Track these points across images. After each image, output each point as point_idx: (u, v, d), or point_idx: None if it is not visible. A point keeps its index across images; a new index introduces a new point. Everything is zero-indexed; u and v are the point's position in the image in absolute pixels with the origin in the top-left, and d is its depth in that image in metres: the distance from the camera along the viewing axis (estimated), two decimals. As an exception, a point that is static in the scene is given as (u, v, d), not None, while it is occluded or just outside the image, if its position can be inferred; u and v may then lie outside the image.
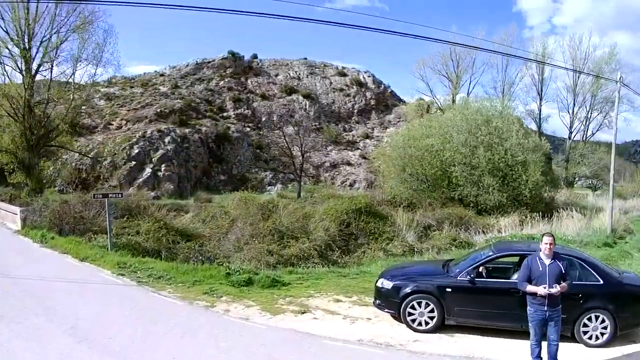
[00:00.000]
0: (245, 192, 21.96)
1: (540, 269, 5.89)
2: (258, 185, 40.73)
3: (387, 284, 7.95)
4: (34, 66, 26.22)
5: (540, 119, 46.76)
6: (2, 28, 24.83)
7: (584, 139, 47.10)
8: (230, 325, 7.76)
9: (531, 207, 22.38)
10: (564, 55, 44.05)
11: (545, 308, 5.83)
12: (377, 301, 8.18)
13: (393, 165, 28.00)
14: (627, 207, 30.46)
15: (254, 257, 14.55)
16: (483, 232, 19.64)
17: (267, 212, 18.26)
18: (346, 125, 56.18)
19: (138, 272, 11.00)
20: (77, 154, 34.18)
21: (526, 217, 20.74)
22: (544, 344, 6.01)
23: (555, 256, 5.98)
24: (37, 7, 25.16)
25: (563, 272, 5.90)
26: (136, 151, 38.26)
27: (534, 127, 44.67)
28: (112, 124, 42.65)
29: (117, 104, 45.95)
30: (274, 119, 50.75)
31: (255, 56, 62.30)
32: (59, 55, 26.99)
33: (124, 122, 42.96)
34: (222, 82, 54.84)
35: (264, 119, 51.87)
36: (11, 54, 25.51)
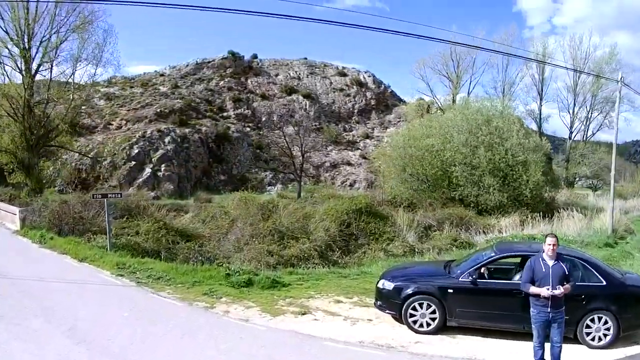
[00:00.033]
0: (245, 192, 21.92)
1: (544, 270, 5.83)
2: (258, 185, 40.67)
3: (388, 285, 7.89)
4: (34, 66, 26.23)
5: (540, 119, 46.78)
6: (1, 28, 24.86)
7: (584, 139, 47.08)
8: (230, 327, 7.70)
9: (532, 207, 22.31)
10: (564, 55, 44.05)
11: (549, 310, 5.77)
12: (378, 302, 8.11)
13: (393, 165, 27.93)
14: (628, 207, 30.38)
15: (254, 257, 14.50)
16: (484, 232, 19.58)
17: (267, 212, 18.21)
18: (346, 125, 56.12)
19: (137, 272, 10.95)
20: (77, 154, 34.13)
21: (527, 217, 20.67)
22: (547, 346, 5.95)
23: (558, 257, 5.92)
24: (36, 6, 25.16)
25: (566, 273, 5.84)
26: (136, 151, 38.20)
27: (534, 127, 44.64)
28: (112, 124, 42.60)
29: (117, 104, 45.89)
30: (274, 119, 50.69)
31: (255, 56, 62.25)
32: (58, 55, 27.01)
33: (123, 122, 42.90)
34: (222, 82, 54.79)
35: (264, 119, 51.81)
36: (11, 54, 25.50)
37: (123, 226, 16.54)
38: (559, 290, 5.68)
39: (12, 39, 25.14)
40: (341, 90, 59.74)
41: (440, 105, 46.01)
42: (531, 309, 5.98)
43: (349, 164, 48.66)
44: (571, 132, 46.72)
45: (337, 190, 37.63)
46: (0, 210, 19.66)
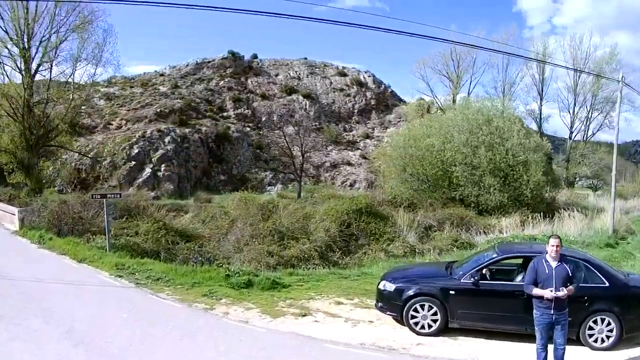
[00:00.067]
0: (245, 192, 21.85)
1: (547, 271, 5.76)
2: (258, 185, 40.61)
3: (390, 287, 7.83)
4: (34, 66, 26.21)
5: (540, 119, 46.75)
6: (1, 28, 24.87)
7: (584, 139, 47.06)
8: (230, 328, 7.64)
9: (532, 208, 22.25)
10: (564, 55, 43.98)
11: (552, 312, 5.70)
12: (379, 304, 8.06)
13: (394, 165, 27.87)
14: (628, 207, 30.32)
15: (253, 258, 14.43)
16: (484, 232, 19.51)
17: (267, 212, 18.14)
18: (346, 125, 56.06)
19: (136, 273, 10.89)
20: (77, 154, 34.09)
21: (527, 217, 20.61)
22: (550, 348, 5.88)
23: (561, 258, 5.85)
24: (36, 6, 25.15)
25: (570, 274, 5.77)
26: (136, 151, 38.14)
27: (534, 127, 44.58)
28: (111, 124, 42.55)
29: (117, 104, 45.84)
30: (274, 119, 50.64)
31: (255, 56, 62.20)
32: (58, 55, 27.00)
33: (123, 122, 42.85)
34: (222, 82, 54.73)
35: (264, 119, 51.76)
36: (10, 54, 25.49)
37: (122, 226, 16.47)
38: (563, 292, 5.61)
39: (11, 39, 25.15)
40: (341, 90, 59.69)
41: (440, 105, 45.95)
42: (534, 311, 5.91)
43: (349, 164, 48.61)
44: (571, 132, 46.74)
45: (337, 190, 37.56)
46: (-1, 210, 19.61)
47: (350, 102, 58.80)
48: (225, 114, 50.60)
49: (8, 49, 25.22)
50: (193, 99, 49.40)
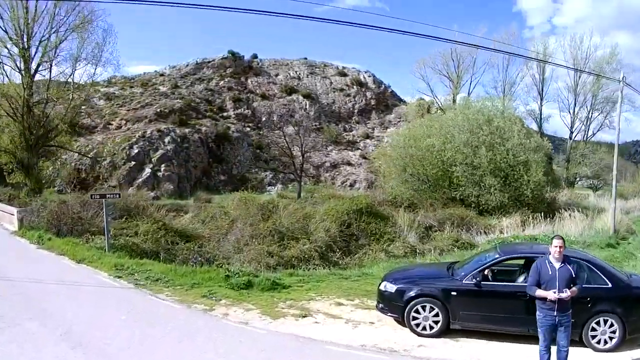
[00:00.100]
0: (245, 192, 21.81)
1: (550, 272, 5.70)
2: (258, 185, 40.56)
3: (391, 287, 7.77)
4: (33, 66, 26.13)
5: (541, 119, 46.68)
6: (1, 27, 24.78)
7: (584, 139, 47.01)
8: (229, 330, 7.58)
9: (533, 208, 22.22)
10: (564, 55, 43.92)
11: (555, 313, 5.64)
12: (380, 305, 8.00)
13: (394, 166, 27.85)
14: (629, 207, 30.31)
15: (253, 258, 14.37)
16: (485, 232, 19.48)
17: (267, 212, 18.09)
18: (346, 125, 56.02)
19: (135, 274, 10.83)
20: (77, 154, 34.01)
21: (528, 217, 20.57)
22: (553, 350, 5.82)
23: (565, 259, 5.79)
24: (36, 6, 25.12)
25: (573, 276, 5.71)
26: (136, 151, 38.09)
27: (534, 127, 44.54)
28: (111, 124, 42.49)
29: (117, 104, 45.79)
30: (274, 119, 50.60)
31: (255, 56, 62.16)
32: (58, 55, 26.92)
33: (123, 122, 42.80)
34: (222, 82, 54.69)
35: (264, 119, 51.71)
36: (10, 54, 25.43)
37: (122, 227, 16.42)
38: (566, 294, 5.55)
39: (11, 39, 25.08)
40: (341, 90, 59.65)
41: (440, 105, 45.90)
42: (537, 313, 5.85)
43: (349, 164, 48.56)
44: (572, 132, 46.67)
45: (337, 190, 37.51)
46: (-2, 210, 19.55)
47: (350, 102, 58.75)
48: (225, 114, 50.56)
49: (8, 49, 25.21)
50: (193, 99, 49.36)
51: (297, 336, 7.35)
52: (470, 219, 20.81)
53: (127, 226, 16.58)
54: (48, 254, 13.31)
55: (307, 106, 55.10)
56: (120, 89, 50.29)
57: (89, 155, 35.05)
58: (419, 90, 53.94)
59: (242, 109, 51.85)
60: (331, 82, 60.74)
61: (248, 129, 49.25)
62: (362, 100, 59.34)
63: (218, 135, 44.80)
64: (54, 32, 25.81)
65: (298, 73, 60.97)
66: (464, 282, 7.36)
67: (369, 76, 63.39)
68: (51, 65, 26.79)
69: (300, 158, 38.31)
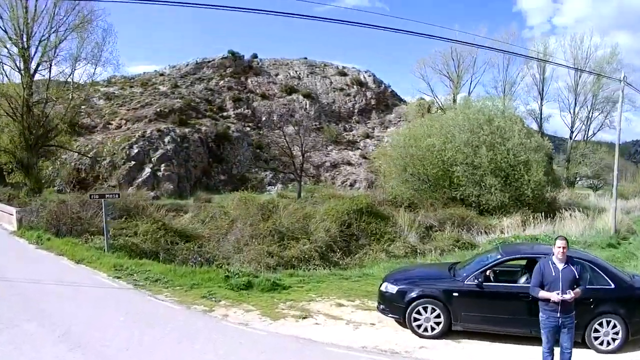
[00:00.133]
0: (245, 192, 21.77)
1: (553, 274, 5.64)
2: (258, 185, 40.51)
3: (392, 288, 7.71)
4: (33, 65, 26.05)
5: (541, 118, 46.69)
6: (0, 27, 24.70)
7: (585, 138, 47.00)
8: (229, 331, 7.51)
9: (533, 208, 22.19)
10: (565, 55, 43.94)
11: (558, 315, 5.58)
12: (381, 306, 7.93)
13: (394, 165, 27.80)
14: (629, 207, 30.28)
15: (253, 258, 14.31)
16: (485, 232, 19.43)
17: (267, 212, 18.03)
18: (346, 125, 55.97)
19: (135, 274, 10.77)
20: (76, 153, 33.95)
21: (528, 217, 20.53)
22: (557, 352, 5.76)
23: (568, 260, 5.73)
24: (35, 5, 25.06)
25: (577, 277, 5.65)
26: (135, 151, 38.03)
27: (535, 127, 44.52)
28: (111, 124, 42.44)
29: (117, 104, 45.73)
30: (274, 118, 50.55)
31: (255, 56, 62.10)
32: (57, 55, 26.85)
33: (123, 121, 42.74)
34: (222, 82, 54.63)
35: (264, 118, 51.66)
36: (9, 53, 25.36)
37: (121, 227, 16.37)
38: (569, 295, 5.49)
39: (10, 38, 25.02)
40: (341, 89, 59.60)
41: (440, 105, 45.86)
42: (540, 314, 5.79)
43: (349, 163, 48.51)
44: (572, 132, 46.68)
45: (337, 190, 37.47)
46: (-3, 210, 19.49)
47: (351, 101, 58.70)
48: (225, 113, 50.50)
49: (7, 49, 25.14)
50: (193, 99, 49.30)
51: (297, 337, 7.29)
52: (471, 219, 20.76)
53: (126, 226, 16.52)
54: (47, 254, 13.25)
55: (307, 106, 55.05)
56: (120, 88, 50.23)
57: (89, 155, 34.98)
58: (419, 90, 53.91)
59: (242, 109, 51.80)
60: (331, 82, 60.69)
61: (248, 128, 49.20)
62: (362, 100, 59.29)
63: (218, 135, 44.75)
64: (53, 32, 25.79)
65: (298, 73, 60.92)
66: (465, 283, 7.30)
67: (369, 76, 63.34)
68: (51, 65, 26.77)
69: (300, 158, 38.26)
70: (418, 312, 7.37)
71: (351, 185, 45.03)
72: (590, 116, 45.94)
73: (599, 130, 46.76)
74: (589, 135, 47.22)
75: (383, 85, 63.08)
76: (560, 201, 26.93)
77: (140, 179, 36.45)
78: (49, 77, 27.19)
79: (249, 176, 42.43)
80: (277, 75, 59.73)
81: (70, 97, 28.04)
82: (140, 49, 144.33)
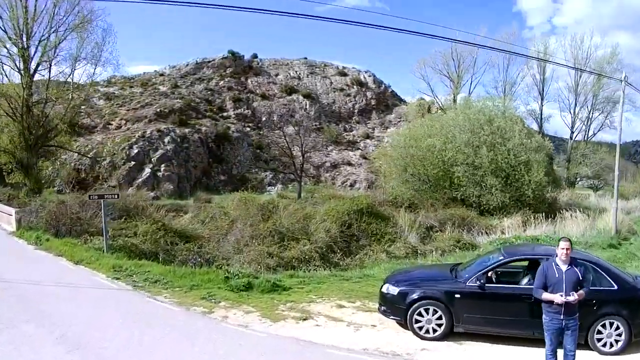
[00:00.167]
0: (245, 192, 21.71)
1: (557, 275, 5.58)
2: (258, 185, 40.48)
3: (393, 290, 7.65)
4: (33, 65, 26.01)
5: (541, 119, 46.71)
6: (0, 27, 24.65)
7: (585, 139, 46.98)
8: (229, 333, 7.45)
9: (534, 208, 22.14)
10: (565, 55, 43.88)
11: (562, 317, 5.51)
12: (382, 307, 7.87)
13: (394, 166, 27.74)
14: (629, 207, 30.22)
15: (253, 259, 14.25)
16: (486, 233, 19.37)
17: (267, 212, 17.97)
18: (347, 125, 55.94)
19: (134, 275, 10.71)
20: (76, 154, 33.90)
21: (529, 218, 20.48)
22: (560, 354, 5.70)
23: (572, 262, 5.67)
24: (35, 5, 25.02)
25: (580, 278, 5.59)
26: (135, 151, 38.00)
27: (535, 127, 44.51)
28: (111, 124, 42.40)
29: (117, 104, 45.71)
30: (274, 119, 50.53)
31: (255, 56, 62.09)
32: (57, 55, 26.81)
33: (123, 122, 42.71)
34: (222, 82, 54.61)
35: (264, 119, 51.63)
36: (9, 53, 25.32)
37: (121, 227, 16.30)
38: (573, 297, 5.43)
39: (10, 38, 24.98)
40: (341, 90, 59.57)
41: (441, 105, 45.82)
42: (543, 316, 5.72)
43: (349, 164, 48.48)
44: (572, 132, 46.67)
45: (337, 190, 37.44)
46: (-4, 211, 19.43)
47: (351, 102, 58.67)
48: (225, 114, 50.48)
49: (7, 49, 25.10)
50: (193, 99, 49.28)
51: (297, 339, 7.23)
52: (472, 219, 20.71)
53: (126, 227, 16.46)
54: (46, 255, 13.20)
55: (307, 106, 55.02)
56: (120, 88, 50.21)
57: (89, 155, 34.94)
58: (420, 90, 53.87)
59: (242, 109, 51.77)
60: (331, 82, 60.67)
61: (248, 129, 49.17)
62: (362, 100, 59.27)
63: (218, 135, 44.72)
64: (53, 32, 25.76)
65: (298, 73, 60.89)
66: (467, 284, 7.25)
67: (369, 76, 63.33)
68: (50, 65, 26.73)
69: (301, 158, 38.23)
70: (419, 314, 7.31)
71: (351, 185, 44.99)
72: (590, 116, 45.98)
73: (599, 130, 46.83)
74: (589, 135, 47.26)
75: (383, 86, 63.07)
76: (561, 201, 26.89)
77: (140, 179, 36.41)
78: (49, 77, 27.18)
79: (249, 176, 42.40)
80: (277, 75, 59.71)
81: (70, 97, 28.00)
82: (140, 49, 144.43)
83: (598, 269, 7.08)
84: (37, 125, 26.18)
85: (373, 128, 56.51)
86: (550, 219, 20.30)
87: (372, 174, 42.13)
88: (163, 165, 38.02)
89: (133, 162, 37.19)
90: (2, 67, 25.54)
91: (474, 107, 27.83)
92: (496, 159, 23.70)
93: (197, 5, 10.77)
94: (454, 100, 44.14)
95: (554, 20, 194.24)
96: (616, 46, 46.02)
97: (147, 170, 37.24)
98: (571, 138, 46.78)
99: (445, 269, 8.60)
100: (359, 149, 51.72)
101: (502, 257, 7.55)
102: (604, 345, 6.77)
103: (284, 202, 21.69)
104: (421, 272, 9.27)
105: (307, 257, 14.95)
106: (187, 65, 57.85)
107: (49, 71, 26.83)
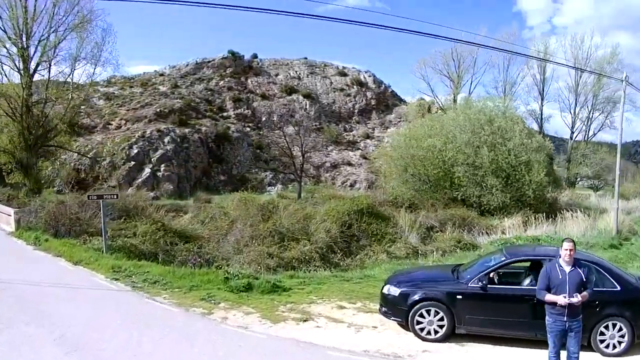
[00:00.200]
0: (245, 192, 21.63)
1: (560, 277, 5.52)
2: (258, 185, 40.45)
3: (394, 291, 7.58)
4: (32, 65, 25.92)
5: (541, 119, 46.72)
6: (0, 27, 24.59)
7: (585, 139, 46.97)
8: (229, 334, 7.39)
9: (535, 208, 22.11)
10: (565, 55, 43.89)
11: (565, 318, 5.46)
12: (383, 308, 7.81)
13: (395, 166, 27.70)
14: (630, 207, 30.18)
15: (253, 259, 14.17)
16: (487, 233, 19.32)
17: (267, 213, 17.90)
18: (347, 125, 55.91)
19: (133, 276, 10.64)
20: (76, 154, 33.85)
21: (530, 218, 20.43)
22: (563, 355, 5.65)
23: (575, 263, 5.62)
24: (35, 5, 24.94)
25: (584, 280, 5.54)
26: (135, 151, 37.97)
27: (535, 127, 44.49)
28: (111, 124, 42.38)
29: (117, 104, 45.70)
30: (274, 119, 50.51)
31: (255, 56, 62.08)
32: (57, 55, 26.71)
33: (123, 122, 42.69)
34: (222, 82, 54.59)
35: (264, 119, 51.60)
36: (9, 53, 25.23)
37: (120, 227, 16.20)
38: (577, 299, 5.38)
39: (10, 38, 24.90)
40: (341, 90, 59.55)
41: (441, 105, 45.79)
42: (547, 318, 5.67)
43: (349, 164, 48.45)
44: (572, 132, 46.66)
45: (337, 190, 37.40)
46: (-5, 211, 19.37)
47: (351, 102, 58.64)
48: (225, 114, 50.46)
49: (6, 49, 25.01)
50: (193, 99, 49.26)
51: (298, 341, 7.17)
52: (472, 219, 20.66)
53: (125, 227, 16.35)
54: (45, 256, 13.14)
55: (307, 106, 54.99)
56: (119, 88, 50.19)
57: (89, 156, 34.87)
58: (420, 90, 53.77)
59: (242, 109, 51.74)
60: (331, 82, 60.65)
61: (248, 129, 49.14)
62: (362, 100, 59.24)
63: (218, 135, 44.70)
64: (53, 32, 25.67)
65: (298, 73, 60.87)
66: (469, 285, 7.18)
67: (369, 76, 63.31)
68: (50, 65, 26.65)
69: (301, 158, 38.19)
70: (421, 315, 7.25)
71: (351, 185, 44.96)
72: (590, 116, 45.98)
73: (599, 130, 46.85)
74: (589, 135, 47.28)
75: (383, 86, 63.06)
76: (561, 202, 26.85)
77: (140, 180, 36.38)
78: (49, 77, 27.12)
79: (249, 176, 42.38)
80: (277, 75, 59.68)
81: (70, 97, 27.93)
82: (140, 49, 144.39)
83: (601, 269, 7.02)
84: (36, 125, 26.11)
85: (373, 128, 56.48)
86: (550, 219, 20.25)
87: (372, 174, 42.09)
88: (163, 165, 37.98)
89: (133, 162, 37.17)
90: (2, 67, 25.49)
91: (475, 107, 27.79)
92: (497, 159, 23.66)
93: (197, 5, 10.71)
94: (454, 100, 44.12)
95: (554, 21, 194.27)
96: (616, 46, 45.96)
97: (147, 171, 37.21)
98: (571, 138, 46.78)
99: (446, 269, 8.54)
100: (359, 149, 51.69)
101: (504, 258, 7.50)
102: (607, 346, 6.71)
103: (284, 202, 21.62)
104: (422, 273, 9.21)
105: (307, 257, 14.87)
106: (187, 65, 57.85)
107: (49, 71, 26.81)
